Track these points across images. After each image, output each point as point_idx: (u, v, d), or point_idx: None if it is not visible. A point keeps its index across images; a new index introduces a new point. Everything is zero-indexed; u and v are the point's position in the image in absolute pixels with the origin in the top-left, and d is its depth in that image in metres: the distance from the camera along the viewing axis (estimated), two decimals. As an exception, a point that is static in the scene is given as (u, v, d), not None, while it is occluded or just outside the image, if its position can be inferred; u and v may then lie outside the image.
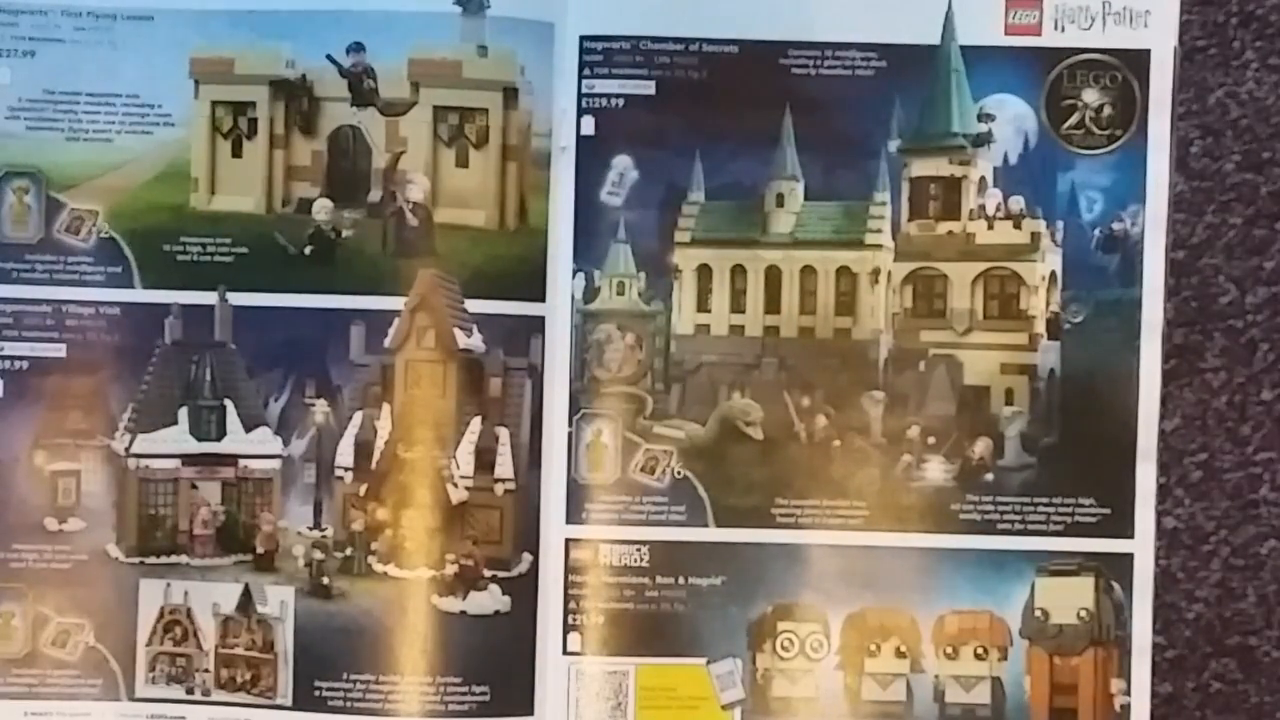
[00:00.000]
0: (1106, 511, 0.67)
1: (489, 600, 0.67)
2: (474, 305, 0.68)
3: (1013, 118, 0.68)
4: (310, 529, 0.69)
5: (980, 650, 0.68)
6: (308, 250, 0.69)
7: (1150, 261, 0.67)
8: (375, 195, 0.69)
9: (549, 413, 0.68)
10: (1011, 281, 0.68)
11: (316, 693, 0.67)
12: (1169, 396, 0.68)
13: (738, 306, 0.69)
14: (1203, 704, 0.69)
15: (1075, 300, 0.68)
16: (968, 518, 0.67)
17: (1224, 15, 0.69)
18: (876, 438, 0.68)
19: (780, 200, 0.69)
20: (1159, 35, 0.67)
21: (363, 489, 0.68)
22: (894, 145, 0.68)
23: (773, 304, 0.69)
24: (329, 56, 0.68)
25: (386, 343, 0.68)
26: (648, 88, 0.68)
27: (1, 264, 0.68)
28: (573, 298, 0.68)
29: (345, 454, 0.69)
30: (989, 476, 0.68)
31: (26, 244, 0.68)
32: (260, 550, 0.68)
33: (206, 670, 0.68)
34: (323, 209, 0.69)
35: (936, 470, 0.68)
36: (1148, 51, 0.67)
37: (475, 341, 0.68)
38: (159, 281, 0.68)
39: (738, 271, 0.69)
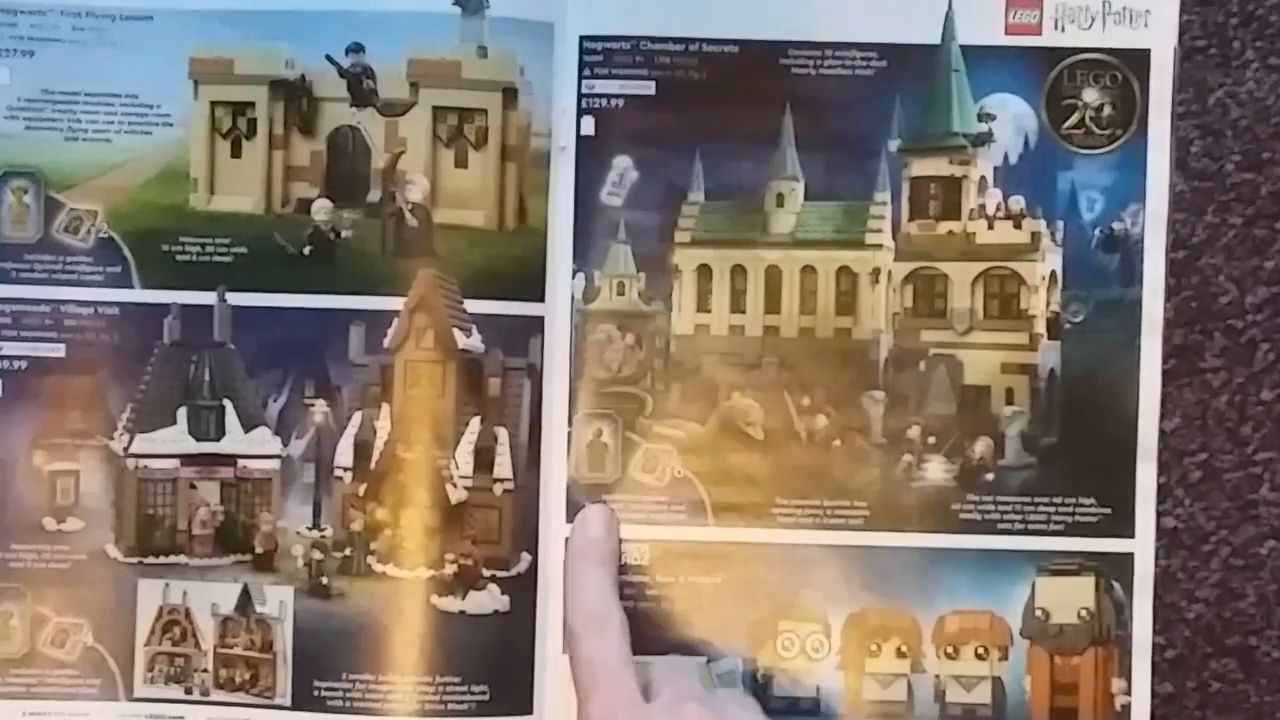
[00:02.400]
0: (1107, 511, 0.67)
1: (488, 600, 0.67)
2: (473, 305, 0.68)
3: (1013, 117, 0.68)
4: (309, 529, 0.68)
5: (981, 650, 0.68)
6: (307, 250, 0.68)
7: (1150, 261, 0.67)
8: (375, 195, 0.69)
9: (548, 413, 0.68)
10: (1011, 281, 0.68)
11: (315, 693, 0.67)
12: (1169, 396, 0.68)
13: (738, 306, 0.69)
14: (1203, 704, 0.69)
15: (1075, 300, 0.68)
16: (968, 517, 0.67)
17: (1224, 15, 0.70)
18: (877, 437, 0.68)
19: (780, 200, 0.69)
20: (1159, 35, 0.67)
21: (362, 489, 0.68)
22: (894, 145, 0.68)
23: (773, 304, 0.69)
24: (328, 57, 0.68)
25: (386, 343, 0.68)
26: (648, 88, 0.68)
27: (0, 264, 0.68)
28: (572, 298, 0.68)
29: (344, 454, 0.68)
30: (989, 476, 0.67)
31: (25, 244, 0.68)
32: (259, 550, 0.68)
33: (205, 670, 0.68)
34: (322, 209, 0.69)
35: (937, 470, 0.68)
36: (1148, 51, 0.67)
37: (474, 341, 0.68)
38: (158, 281, 0.68)
39: (738, 271, 0.69)
